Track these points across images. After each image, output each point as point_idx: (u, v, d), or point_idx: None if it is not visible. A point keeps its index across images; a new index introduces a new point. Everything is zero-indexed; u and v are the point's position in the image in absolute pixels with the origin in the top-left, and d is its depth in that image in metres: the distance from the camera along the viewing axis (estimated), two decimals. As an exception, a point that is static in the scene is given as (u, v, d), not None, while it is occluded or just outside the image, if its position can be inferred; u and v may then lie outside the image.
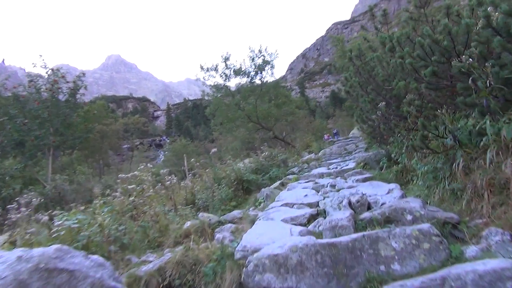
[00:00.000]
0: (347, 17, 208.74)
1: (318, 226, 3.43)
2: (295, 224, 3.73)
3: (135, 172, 6.19)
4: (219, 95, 22.09)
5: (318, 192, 5.42)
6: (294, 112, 23.31)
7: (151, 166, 7.66)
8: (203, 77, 21.36)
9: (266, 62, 21.43)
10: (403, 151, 5.87)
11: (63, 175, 13.50)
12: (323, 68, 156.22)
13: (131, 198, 5.43)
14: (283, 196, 5.56)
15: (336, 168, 9.60)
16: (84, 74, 16.02)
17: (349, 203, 3.67)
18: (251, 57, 21.32)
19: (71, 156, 18.71)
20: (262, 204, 6.46)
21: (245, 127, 23.27)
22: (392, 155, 6.37)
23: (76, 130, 16.57)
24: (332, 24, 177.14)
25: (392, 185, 4.09)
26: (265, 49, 21.29)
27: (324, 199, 4.51)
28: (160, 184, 7.77)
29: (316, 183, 6.60)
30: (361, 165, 7.16)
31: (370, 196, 3.94)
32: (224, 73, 21.26)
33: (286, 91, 26.12)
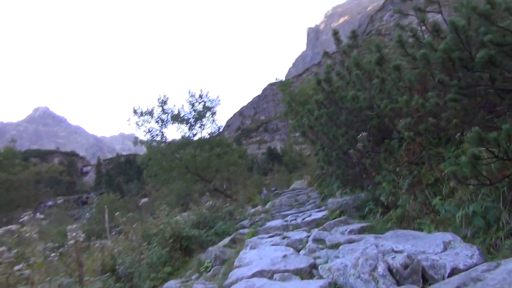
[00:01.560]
0: (282, 78, 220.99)
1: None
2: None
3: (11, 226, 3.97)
4: (153, 143, 19.83)
5: (299, 251, 3.68)
6: (236, 162, 21.68)
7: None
8: (136, 122, 19.14)
9: (207, 109, 19.95)
10: (403, 191, 4.42)
11: None
12: (259, 126, 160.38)
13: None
14: (247, 258, 3.69)
15: (296, 219, 7.96)
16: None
17: (389, 269, 1.98)
18: (190, 102, 19.73)
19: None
20: (211, 271, 4.50)
21: (182, 179, 21.00)
22: (382, 198, 4.90)
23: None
24: (268, 85, 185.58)
25: (448, 236, 2.52)
26: (206, 95, 19.94)
27: (328, 263, 2.78)
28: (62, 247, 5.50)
29: (285, 237, 4.86)
30: (337, 213, 5.61)
31: (415, 254, 2.30)
32: (160, 119, 19.25)
33: (228, 140, 24.63)
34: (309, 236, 4.37)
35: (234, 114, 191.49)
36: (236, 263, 3.62)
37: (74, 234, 4.54)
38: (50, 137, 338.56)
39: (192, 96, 19.70)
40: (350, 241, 3.31)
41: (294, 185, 28.67)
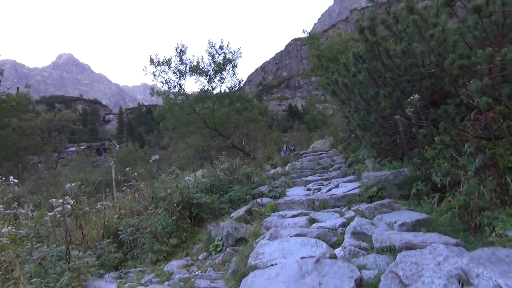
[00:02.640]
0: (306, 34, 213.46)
1: None
2: None
3: None
4: (170, 95, 18.95)
5: (334, 248, 2.82)
6: (256, 119, 20.70)
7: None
8: (153, 72, 18.18)
9: (227, 61, 18.71)
10: (469, 173, 3.43)
11: None
12: (281, 82, 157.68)
13: None
14: (266, 255, 2.83)
15: (320, 189, 7.10)
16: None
17: None
18: (210, 53, 18.51)
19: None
20: (220, 257, 3.72)
21: (200, 133, 20.30)
22: (435, 178, 3.91)
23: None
24: (292, 40, 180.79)
25: None
26: (227, 46, 18.64)
27: (381, 279, 1.90)
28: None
29: (312, 220, 3.99)
30: (374, 191, 4.69)
31: None
32: (178, 69, 18.22)
33: (249, 95, 23.50)
34: (344, 224, 3.48)
35: (256, 69, 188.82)
36: (251, 260, 2.78)
37: (61, 201, 3.80)
38: (74, 84, 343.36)
39: (212, 46, 18.44)
40: (409, 246, 2.40)
41: (314, 145, 27.76)
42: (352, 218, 3.71)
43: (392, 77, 5.05)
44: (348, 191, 5.77)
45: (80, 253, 4.01)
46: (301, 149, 28.84)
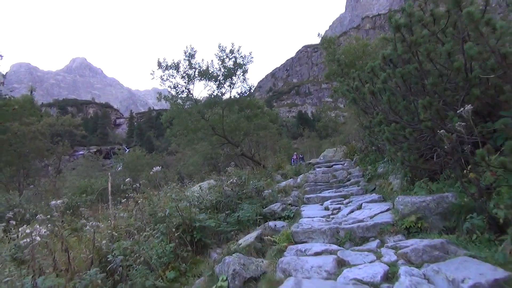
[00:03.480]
0: (317, 41, 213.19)
1: None
2: None
3: None
4: (179, 100, 18.28)
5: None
6: (267, 126, 19.90)
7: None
8: (161, 76, 17.54)
9: (238, 65, 18.01)
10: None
11: None
12: (291, 89, 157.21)
13: None
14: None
15: (340, 209, 6.27)
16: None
17: None
18: (220, 57, 17.82)
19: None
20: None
21: (208, 140, 19.59)
22: (498, 212, 3.07)
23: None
24: (303, 47, 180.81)
25: None
26: (238, 50, 17.93)
27: None
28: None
29: (341, 263, 3.17)
30: (412, 220, 3.86)
31: None
32: (186, 74, 17.55)
33: (260, 102, 22.71)
34: (387, 276, 2.64)
35: (266, 76, 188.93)
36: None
37: (31, 231, 3.06)
38: (86, 87, 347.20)
39: (223, 50, 17.74)
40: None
41: (325, 153, 26.89)
42: (394, 264, 2.88)
43: (433, 83, 4.24)
44: (375, 215, 4.94)
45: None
46: (311, 157, 28.00)
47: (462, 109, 3.50)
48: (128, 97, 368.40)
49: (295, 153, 31.08)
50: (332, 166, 14.00)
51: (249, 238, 4.81)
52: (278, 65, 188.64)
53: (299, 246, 3.89)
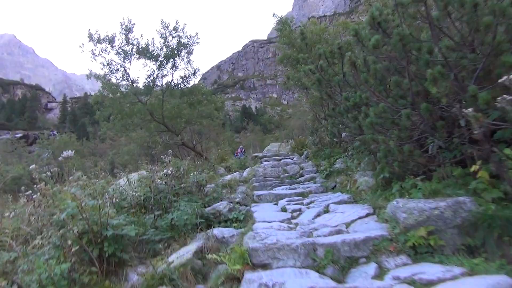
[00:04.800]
0: (264, 37, 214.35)
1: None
2: None
3: None
4: (112, 79, 15.99)
5: None
6: (211, 115, 18.26)
7: None
8: (92, 51, 15.16)
9: (182, 45, 16.17)
10: None
11: None
12: (236, 82, 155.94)
13: None
14: None
15: (301, 211, 5.06)
16: None
17: None
18: (163, 34, 15.84)
19: None
20: None
21: (145, 127, 17.55)
22: None
23: None
24: (249, 41, 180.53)
25: None
26: (183, 29, 16.09)
27: None
28: None
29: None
30: (422, 235, 2.71)
31: None
32: (122, 50, 15.36)
33: (205, 88, 20.91)
34: None
35: (212, 68, 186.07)
36: None
37: None
38: (15, 67, 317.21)
39: (166, 27, 15.75)
40: None
41: (269, 147, 26.03)
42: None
43: (448, 46, 3.11)
44: (352, 221, 3.79)
45: None
46: (254, 152, 26.96)
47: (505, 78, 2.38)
48: (62, 80, 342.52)
49: (240, 146, 29.87)
50: (281, 160, 12.91)
51: (186, 253, 3.37)
52: (224, 58, 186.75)
53: (262, 275, 2.53)
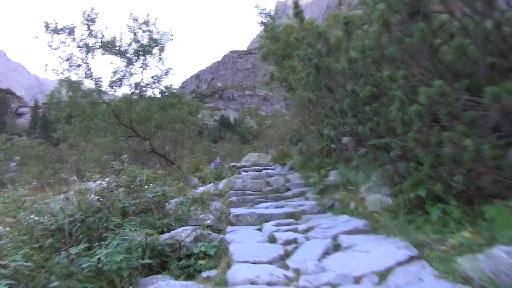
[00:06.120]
0: (244, 48, 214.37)
1: None
2: None
3: None
4: (71, 75, 14.01)
5: None
6: (185, 120, 16.52)
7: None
8: (49, 43, 13.26)
9: (154, 42, 14.49)
10: None
11: None
12: (215, 92, 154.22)
13: None
14: None
15: (296, 241, 3.55)
16: None
17: None
18: (132, 28, 14.11)
19: None
20: None
21: (110, 131, 15.65)
22: None
23: None
24: (229, 52, 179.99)
25: None
26: (154, 23, 14.40)
27: None
28: None
29: None
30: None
31: None
32: (84, 43, 13.52)
33: (178, 90, 19.11)
34: None
35: (191, 77, 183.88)
36: None
37: None
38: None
39: (135, 20, 14.05)
40: None
41: (247, 158, 24.54)
42: None
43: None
44: (386, 271, 2.30)
45: None
46: (232, 162, 25.41)
47: None
48: (35, 85, 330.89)
49: (217, 156, 28.27)
50: (262, 170, 11.39)
51: None
52: (204, 67, 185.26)
53: None
